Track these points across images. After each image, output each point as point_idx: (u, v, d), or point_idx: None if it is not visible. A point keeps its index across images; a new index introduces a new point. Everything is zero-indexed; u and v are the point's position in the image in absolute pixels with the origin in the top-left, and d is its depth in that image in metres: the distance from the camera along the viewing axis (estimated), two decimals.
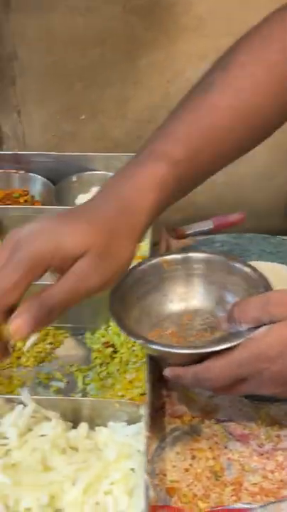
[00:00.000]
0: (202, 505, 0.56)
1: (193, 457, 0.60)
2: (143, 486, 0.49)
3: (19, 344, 0.72)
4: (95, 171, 0.97)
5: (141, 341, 0.55)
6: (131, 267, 0.55)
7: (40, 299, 0.44)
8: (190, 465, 0.59)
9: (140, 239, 0.51)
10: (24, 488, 0.51)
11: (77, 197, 0.95)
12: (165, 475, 0.58)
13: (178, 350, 0.55)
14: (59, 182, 0.95)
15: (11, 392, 0.64)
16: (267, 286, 0.58)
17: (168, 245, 0.89)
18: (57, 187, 0.94)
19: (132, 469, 0.53)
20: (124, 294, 0.58)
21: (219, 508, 0.55)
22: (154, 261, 0.63)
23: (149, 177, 0.51)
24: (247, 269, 0.61)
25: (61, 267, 0.45)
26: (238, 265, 0.62)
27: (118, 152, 0.96)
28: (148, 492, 0.49)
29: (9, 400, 0.57)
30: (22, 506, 0.50)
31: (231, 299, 0.61)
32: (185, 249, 0.67)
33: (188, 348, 0.56)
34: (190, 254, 0.64)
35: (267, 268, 0.83)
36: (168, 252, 0.65)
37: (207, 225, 0.88)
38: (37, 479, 0.51)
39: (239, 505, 0.55)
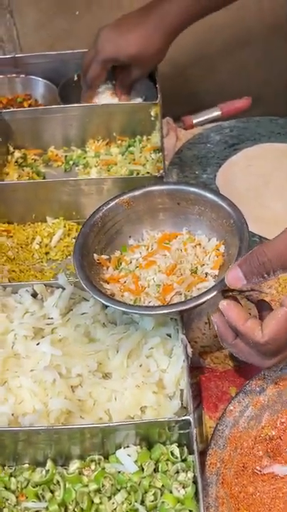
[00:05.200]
0: (232, 363, 0.62)
1: None
2: (182, 344, 0.54)
3: (45, 240, 0.75)
4: None
5: None
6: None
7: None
8: None
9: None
10: (74, 357, 0.56)
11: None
12: (196, 342, 0.64)
13: None
14: (60, 82, 0.93)
15: None
16: (238, 215, 0.57)
17: (176, 136, 0.90)
18: (60, 88, 0.93)
19: (168, 335, 0.58)
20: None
21: None
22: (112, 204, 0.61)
23: None
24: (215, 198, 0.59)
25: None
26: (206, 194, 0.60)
27: None
28: (187, 349, 0.54)
29: (48, 285, 0.61)
30: (74, 373, 0.55)
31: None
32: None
33: None
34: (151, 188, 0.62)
35: (280, 149, 0.84)
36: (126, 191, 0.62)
37: (214, 111, 0.88)
38: (84, 350, 0.57)
39: None
